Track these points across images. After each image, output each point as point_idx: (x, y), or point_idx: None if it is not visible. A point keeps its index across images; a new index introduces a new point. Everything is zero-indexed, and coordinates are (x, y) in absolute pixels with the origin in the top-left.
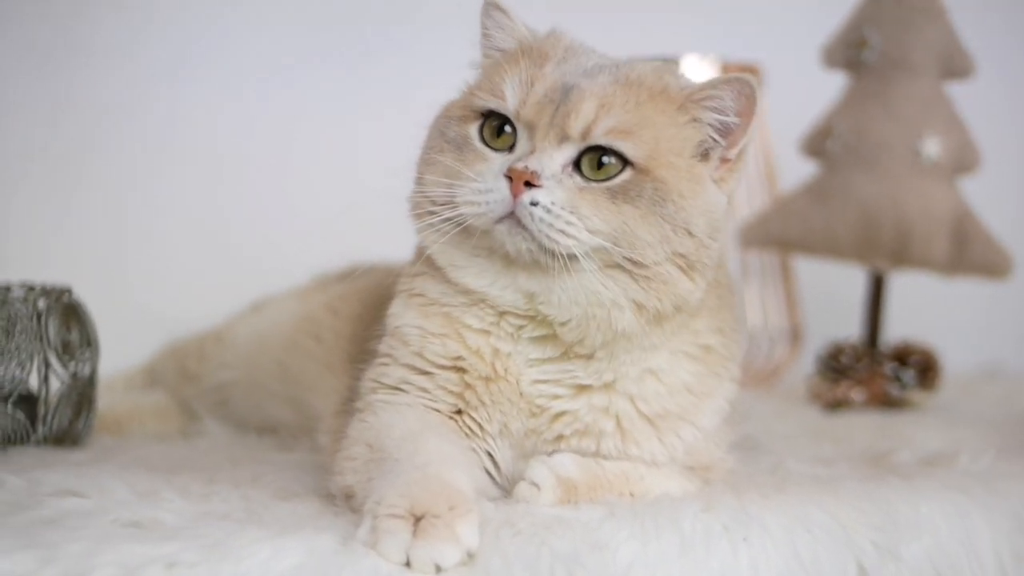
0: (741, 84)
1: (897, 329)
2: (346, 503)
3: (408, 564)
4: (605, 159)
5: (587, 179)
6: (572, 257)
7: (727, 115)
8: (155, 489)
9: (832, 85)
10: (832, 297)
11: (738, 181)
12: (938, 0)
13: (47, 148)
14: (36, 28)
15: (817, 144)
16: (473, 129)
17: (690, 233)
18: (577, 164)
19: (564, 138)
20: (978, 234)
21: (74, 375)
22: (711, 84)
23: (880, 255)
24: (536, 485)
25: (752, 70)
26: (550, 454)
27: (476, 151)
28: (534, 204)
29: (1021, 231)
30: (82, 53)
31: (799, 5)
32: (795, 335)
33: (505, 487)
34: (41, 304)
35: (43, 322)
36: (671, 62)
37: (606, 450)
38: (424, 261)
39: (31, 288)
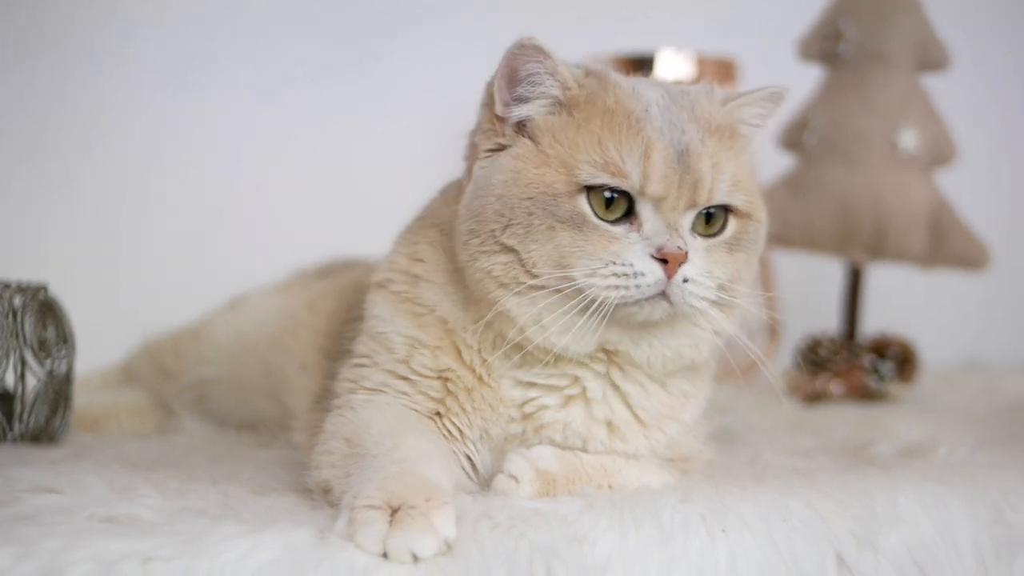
0: (777, 97)
1: (875, 322)
2: (324, 497)
3: (385, 555)
4: (712, 211)
5: (704, 236)
6: (702, 312)
7: (760, 126)
8: (132, 485)
9: (808, 78)
10: (810, 290)
11: None
12: None
13: (27, 147)
14: (26, 29)
15: (794, 137)
16: (584, 205)
17: (759, 254)
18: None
19: (692, 206)
20: (955, 226)
21: (50, 373)
22: (754, 101)
23: (857, 248)
24: (514, 478)
25: (728, 64)
26: (529, 447)
27: (599, 230)
28: (685, 280)
29: (997, 223)
30: (67, 54)
31: None
32: (773, 328)
33: (483, 486)
34: (17, 301)
35: (19, 319)
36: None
37: (593, 448)
38: (433, 270)
39: (6, 285)
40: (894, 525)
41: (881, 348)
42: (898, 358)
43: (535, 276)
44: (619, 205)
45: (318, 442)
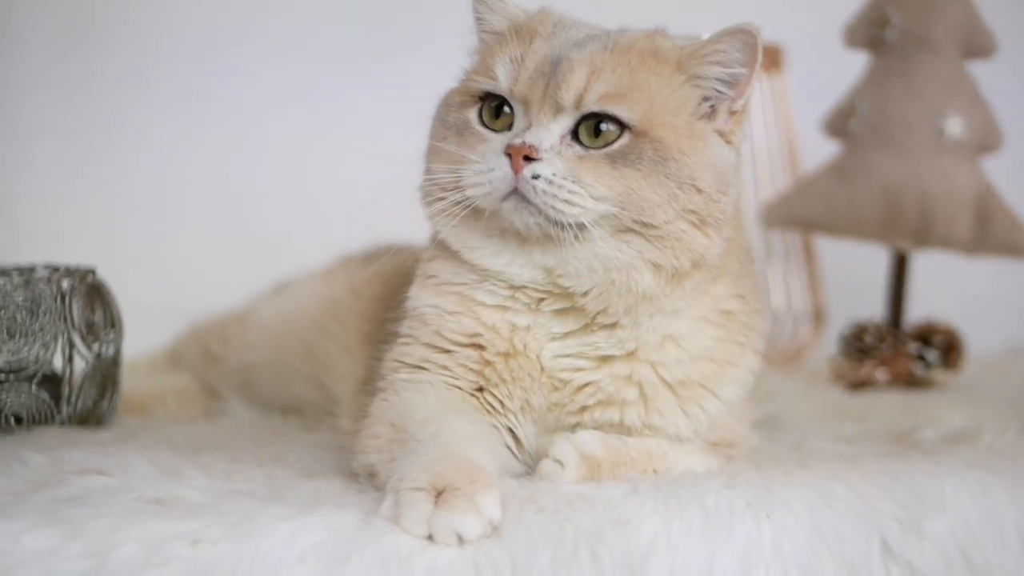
0: (744, 34)
1: (920, 309)
2: (369, 481)
3: (430, 537)
4: (603, 126)
5: (586, 147)
6: (581, 226)
7: (733, 67)
8: (178, 467)
9: (854, 65)
10: (855, 277)
11: (744, 135)
12: None
13: (72, 129)
14: (66, 8)
15: (839, 124)
16: (472, 113)
17: (697, 189)
18: (575, 134)
19: (559, 110)
20: (1001, 213)
21: (98, 356)
22: (713, 39)
23: (903, 235)
24: (559, 462)
25: (775, 50)
26: (573, 430)
27: (477, 134)
28: (535, 177)
29: None
30: (111, 32)
31: None
32: (818, 315)
33: (527, 463)
34: (65, 285)
35: (67, 303)
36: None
37: (630, 421)
38: (438, 245)
39: (55, 269)
40: (939, 511)
41: (926, 335)
42: (943, 345)
43: (441, 187)
44: (507, 117)
45: (363, 426)
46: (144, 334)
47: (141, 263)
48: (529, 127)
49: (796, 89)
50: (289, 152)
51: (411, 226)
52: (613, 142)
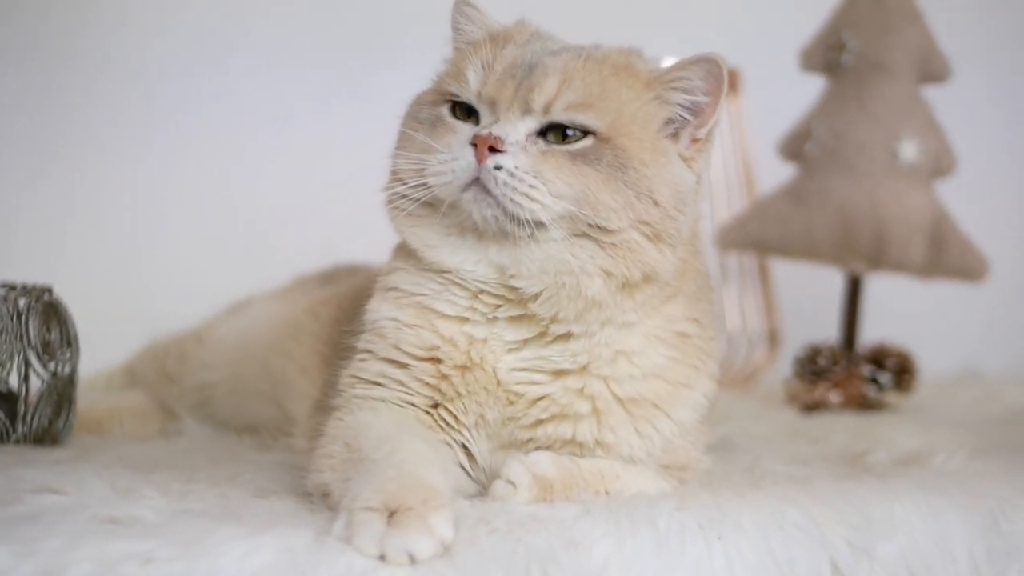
0: (709, 64)
1: (874, 332)
2: (323, 500)
3: (383, 557)
4: (569, 132)
5: (550, 143)
6: (539, 224)
7: (696, 95)
8: (134, 487)
9: (810, 89)
10: (810, 300)
11: (707, 162)
12: (915, 3)
13: (33, 151)
14: (34, 27)
15: (795, 147)
16: (444, 109)
17: (654, 201)
18: (542, 135)
19: (527, 111)
20: (954, 237)
21: (54, 374)
22: (679, 65)
23: (857, 258)
24: (512, 483)
25: (732, 73)
26: (527, 447)
27: (447, 125)
28: (498, 168)
29: (996, 235)
30: (68, 51)
31: (777, 9)
32: (773, 338)
33: (481, 480)
34: (21, 303)
35: (23, 321)
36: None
37: (582, 436)
38: (401, 254)
39: (11, 287)
40: (890, 533)
41: (880, 358)
42: (896, 368)
43: (404, 184)
44: (475, 118)
45: (318, 445)
46: (101, 352)
47: (99, 282)
48: (496, 122)
49: (753, 112)
50: (251, 174)
51: (376, 245)
52: (576, 142)
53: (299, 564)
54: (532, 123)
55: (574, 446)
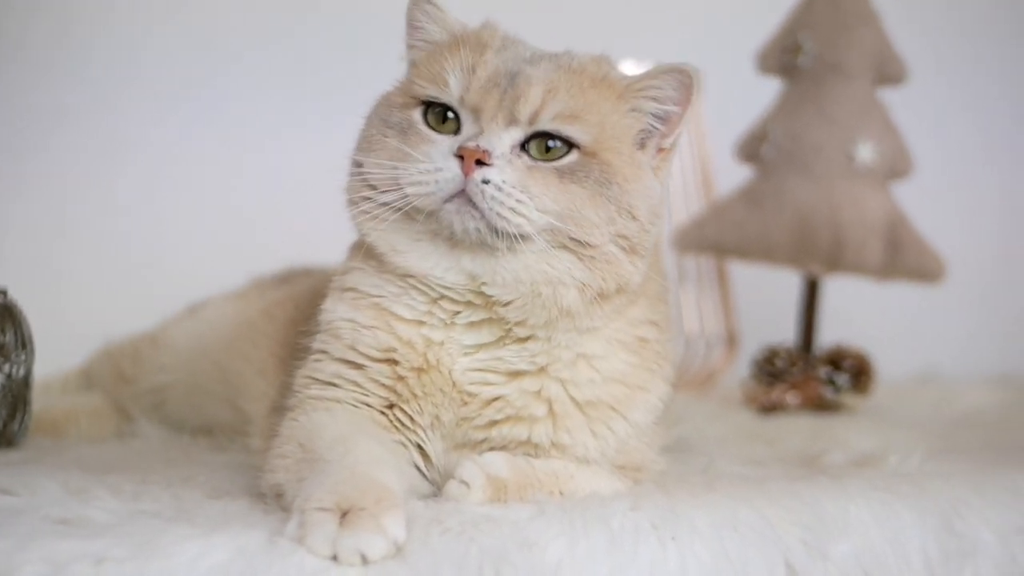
0: (680, 74)
1: (831, 333)
2: (276, 501)
3: (335, 557)
4: (552, 143)
5: (535, 159)
6: (523, 237)
7: (666, 104)
8: (86, 488)
9: (767, 91)
10: (767, 302)
11: (670, 171)
12: (872, 6)
13: None
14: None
15: (752, 149)
16: (417, 114)
17: (633, 216)
18: (524, 147)
19: (512, 121)
20: (911, 239)
21: (9, 376)
22: (651, 74)
23: (814, 259)
24: (466, 483)
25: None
26: (481, 447)
27: (421, 134)
28: (485, 182)
29: (952, 236)
30: (19, 55)
31: (734, 11)
32: (731, 339)
33: (436, 480)
34: None
35: None
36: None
37: (537, 438)
38: (359, 254)
39: None
40: (843, 533)
41: (837, 360)
42: (853, 370)
43: (373, 188)
44: (453, 123)
45: (273, 445)
46: (57, 355)
47: (54, 284)
48: (481, 133)
49: (710, 115)
50: (208, 173)
51: (326, 243)
52: (562, 157)
53: (252, 564)
54: (517, 134)
55: (529, 447)
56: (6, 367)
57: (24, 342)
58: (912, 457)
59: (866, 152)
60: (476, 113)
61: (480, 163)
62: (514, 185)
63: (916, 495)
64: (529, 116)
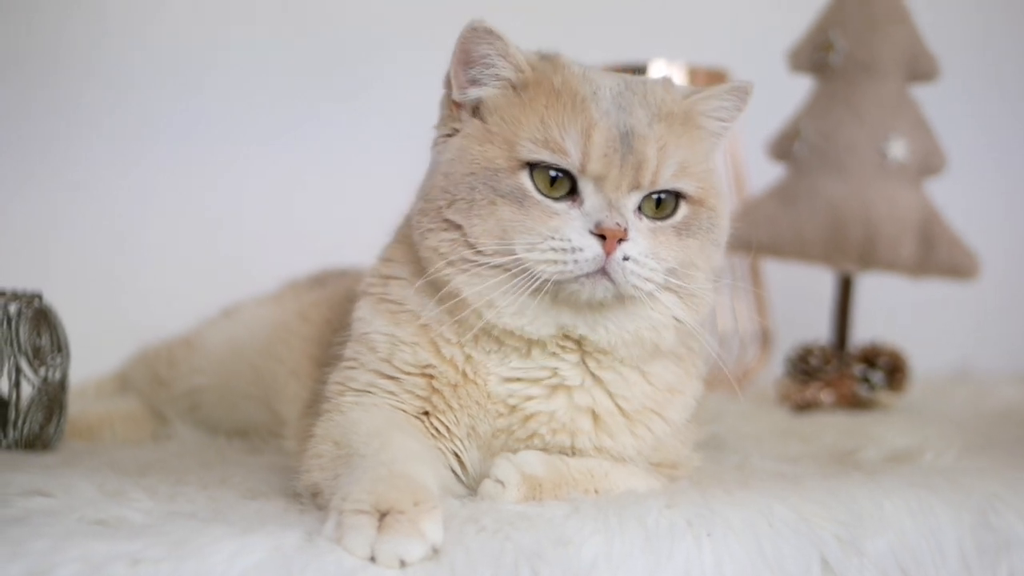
0: (743, 91)
1: (866, 331)
2: (312, 500)
3: (373, 559)
4: (663, 196)
5: (652, 219)
6: (649, 294)
7: (728, 121)
8: (122, 489)
9: (799, 89)
10: (801, 300)
11: None
12: (903, 3)
13: (25, 156)
14: (16, 28)
15: (784, 147)
16: (527, 181)
17: (720, 247)
18: (639, 206)
19: (635, 187)
20: (944, 236)
21: (45, 380)
22: (716, 95)
23: (848, 257)
24: (501, 483)
25: (719, 74)
26: (516, 451)
27: (541, 205)
28: (626, 259)
29: (986, 233)
30: (64, 54)
31: (765, 9)
32: (765, 338)
33: (471, 487)
34: (12, 309)
35: (14, 327)
36: (639, 69)
37: (581, 444)
38: (398, 265)
39: (1, 293)
40: (879, 529)
41: (871, 357)
42: (888, 367)
43: (479, 252)
44: (562, 183)
45: (308, 446)
46: (92, 359)
47: (89, 288)
48: (610, 206)
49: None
50: (243, 179)
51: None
52: (674, 211)
53: (288, 563)
54: (637, 198)
55: (567, 450)
56: (42, 371)
57: (60, 346)
58: (947, 453)
59: (898, 149)
60: (599, 181)
61: (621, 239)
62: (648, 255)
63: (951, 490)
64: (651, 180)
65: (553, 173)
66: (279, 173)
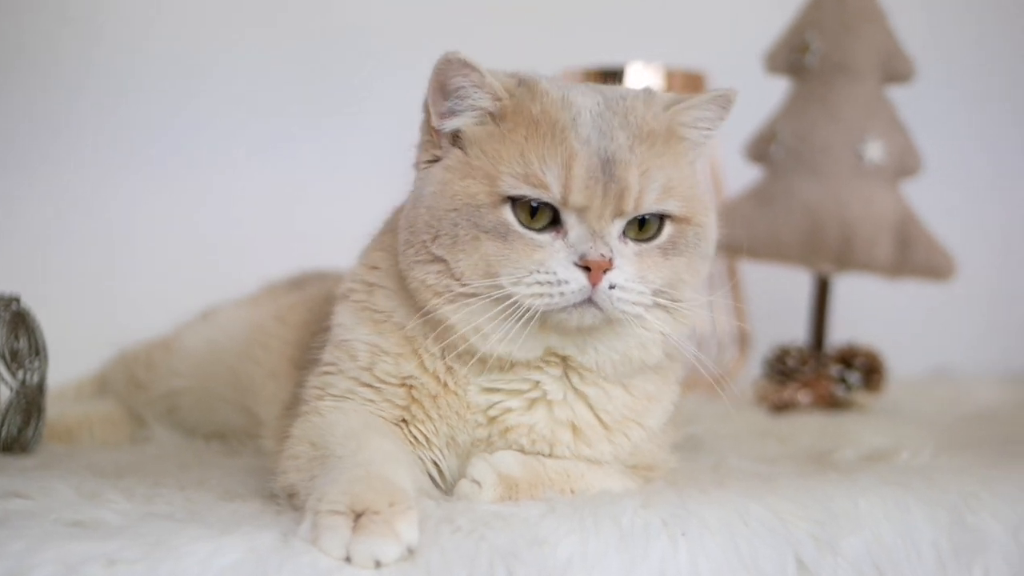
0: (725, 99)
1: (843, 332)
2: (288, 501)
3: (348, 559)
4: (647, 217)
5: (637, 241)
6: (637, 316)
7: (712, 128)
8: (100, 491)
9: (775, 91)
10: (778, 301)
11: None
12: (878, 4)
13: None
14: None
15: (761, 149)
16: (510, 215)
17: (708, 258)
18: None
19: (619, 214)
20: (921, 237)
21: (23, 383)
22: (698, 105)
23: (824, 258)
24: (477, 482)
25: (696, 77)
26: (494, 452)
27: (524, 239)
28: (612, 287)
29: (963, 234)
30: (35, 60)
31: (742, 12)
32: (743, 339)
33: (449, 492)
34: None
35: None
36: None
37: (560, 453)
38: (380, 272)
39: None
40: (854, 528)
41: (848, 358)
42: (865, 368)
43: (464, 285)
44: (544, 214)
45: (285, 447)
46: (71, 363)
47: (68, 292)
48: (593, 235)
49: None
50: (224, 183)
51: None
52: (659, 231)
53: (264, 564)
54: (620, 224)
55: (546, 456)
56: (20, 374)
57: (38, 349)
58: (923, 453)
59: (874, 151)
60: (582, 212)
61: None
62: (634, 280)
63: (927, 489)
64: (634, 206)
65: (534, 204)
66: (269, 179)
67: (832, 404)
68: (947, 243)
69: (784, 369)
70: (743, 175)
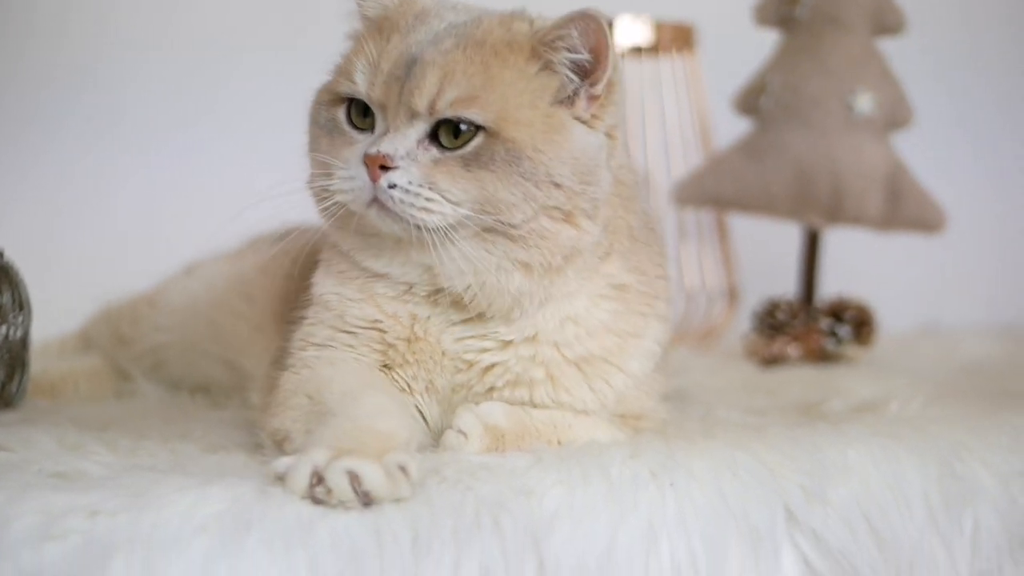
0: (584, 20)
1: (833, 285)
2: (278, 447)
3: (320, 480)
4: (462, 127)
5: (444, 149)
6: (451, 228)
7: (579, 52)
8: (82, 443)
9: (765, 43)
10: (768, 254)
11: (616, 114)
12: None
13: None
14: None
15: (750, 101)
16: (340, 112)
17: (556, 184)
18: (435, 136)
19: (414, 115)
20: (911, 189)
21: (6, 338)
22: (557, 24)
23: (814, 211)
24: (463, 433)
25: (686, 29)
26: (478, 403)
27: (345, 135)
28: (392, 187)
29: (954, 186)
30: (23, 27)
31: None
32: (732, 293)
33: (433, 440)
34: None
35: None
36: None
37: (539, 399)
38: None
39: None
40: (843, 478)
41: (838, 311)
42: (855, 321)
43: (321, 191)
44: (372, 119)
45: (276, 396)
46: (55, 319)
47: (52, 247)
48: (386, 133)
49: (707, 67)
50: (209, 142)
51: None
52: (468, 143)
53: (247, 513)
54: (421, 126)
55: (530, 405)
56: (3, 328)
57: (22, 304)
58: (912, 403)
59: (865, 103)
60: (383, 109)
61: (384, 167)
62: (420, 184)
63: (916, 439)
64: (427, 107)
65: (362, 104)
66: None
67: (822, 358)
68: (937, 196)
69: (774, 323)
70: (733, 128)
